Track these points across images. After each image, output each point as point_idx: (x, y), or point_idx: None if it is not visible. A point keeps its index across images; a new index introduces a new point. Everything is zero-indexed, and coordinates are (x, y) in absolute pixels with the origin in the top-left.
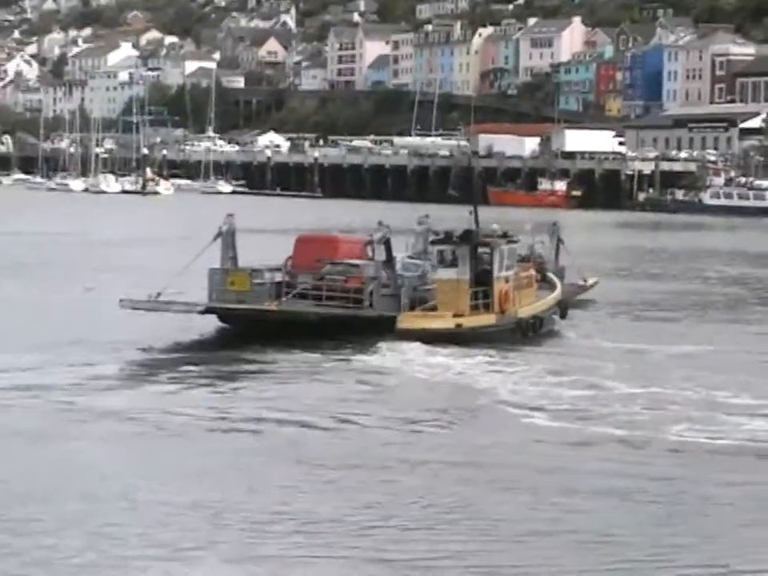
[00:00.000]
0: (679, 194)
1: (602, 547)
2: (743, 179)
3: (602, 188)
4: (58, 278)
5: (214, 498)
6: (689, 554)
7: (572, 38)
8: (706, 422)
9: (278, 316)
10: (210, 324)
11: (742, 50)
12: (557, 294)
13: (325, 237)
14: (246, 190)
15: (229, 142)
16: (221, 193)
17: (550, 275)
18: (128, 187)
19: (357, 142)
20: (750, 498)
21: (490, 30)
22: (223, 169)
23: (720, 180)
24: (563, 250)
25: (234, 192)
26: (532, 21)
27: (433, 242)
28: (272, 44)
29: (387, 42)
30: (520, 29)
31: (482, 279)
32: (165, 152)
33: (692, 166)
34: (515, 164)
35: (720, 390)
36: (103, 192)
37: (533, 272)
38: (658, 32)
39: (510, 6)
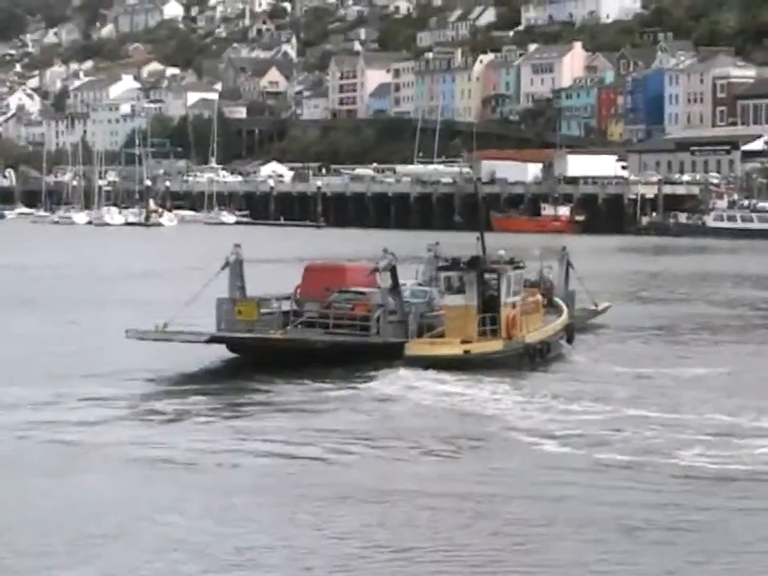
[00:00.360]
0: (682, 218)
1: None
2: (746, 201)
3: (605, 212)
4: (64, 311)
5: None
6: None
7: (573, 63)
8: (719, 446)
9: (283, 344)
10: (219, 354)
11: (743, 73)
12: (563, 318)
13: (333, 265)
14: (250, 220)
15: (232, 173)
16: (224, 224)
17: (557, 300)
18: (131, 219)
19: (359, 171)
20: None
21: (490, 56)
22: (226, 199)
23: (723, 203)
24: (573, 274)
25: (237, 223)
26: (533, 47)
27: (440, 269)
28: (273, 74)
29: (388, 71)
30: (521, 55)
31: (489, 305)
32: (168, 183)
33: (695, 189)
34: (518, 190)
35: (734, 413)
36: (107, 224)
37: (539, 297)
38: (659, 56)
39: (511, 33)
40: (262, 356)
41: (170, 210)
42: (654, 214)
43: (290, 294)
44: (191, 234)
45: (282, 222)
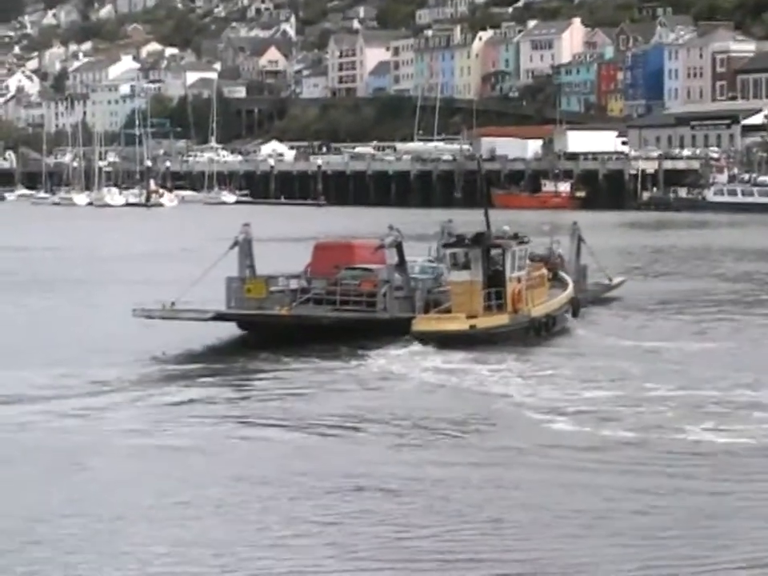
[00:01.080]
0: (683, 192)
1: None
2: (746, 176)
3: (605, 188)
4: (67, 292)
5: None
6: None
7: (572, 39)
8: (730, 421)
9: (289, 321)
10: (229, 332)
11: (742, 47)
12: (569, 292)
13: (342, 243)
14: (250, 199)
15: (231, 152)
16: (225, 203)
17: (563, 274)
18: (132, 200)
19: (359, 149)
20: None
21: (489, 33)
22: (227, 179)
23: (723, 177)
24: (585, 249)
25: (237, 202)
26: (532, 23)
27: (445, 245)
28: (272, 53)
29: (387, 49)
30: (520, 31)
31: (494, 280)
32: (168, 164)
33: (695, 164)
34: (518, 166)
35: (743, 387)
36: (107, 205)
37: (544, 271)
38: (658, 31)
39: (510, 9)
40: (270, 333)
41: (170, 191)
42: (655, 189)
43: (300, 272)
44: (192, 214)
45: (282, 201)
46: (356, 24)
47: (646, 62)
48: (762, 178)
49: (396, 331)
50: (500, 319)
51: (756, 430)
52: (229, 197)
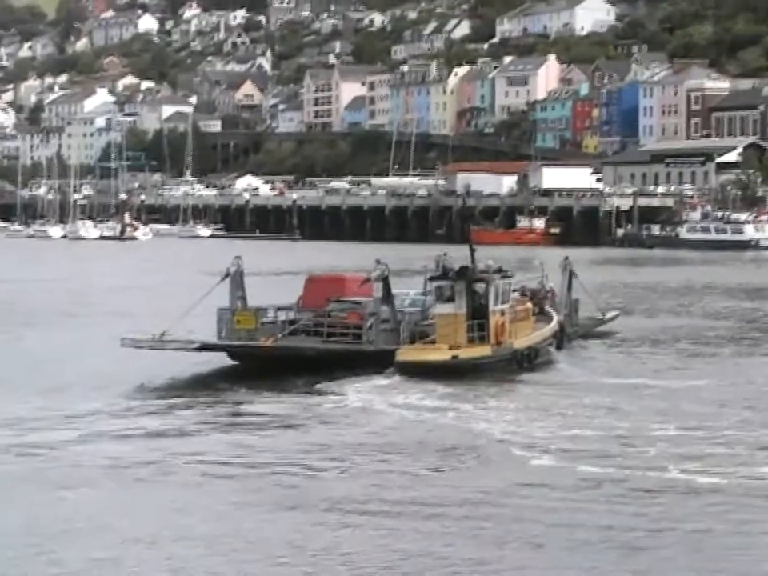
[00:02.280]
0: (656, 229)
1: None
2: (720, 213)
3: (580, 225)
4: (51, 324)
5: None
6: None
7: (547, 75)
8: (704, 459)
9: (274, 352)
10: (214, 362)
11: (717, 85)
12: (552, 325)
13: (333, 276)
14: (225, 233)
15: (207, 186)
16: (199, 237)
17: (548, 308)
18: (106, 233)
19: (335, 184)
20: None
21: (465, 69)
22: (201, 213)
23: (696, 215)
24: (576, 284)
25: (212, 236)
26: (507, 59)
27: (431, 279)
28: (248, 87)
29: (363, 83)
30: (495, 67)
31: (478, 313)
32: (143, 197)
33: (670, 201)
34: (493, 202)
35: (730, 427)
36: (82, 238)
37: (529, 305)
38: (633, 68)
39: (485, 45)
40: (257, 364)
41: (144, 224)
42: (630, 226)
43: (290, 304)
44: (167, 248)
45: (257, 235)
46: (332, 59)
47: (621, 98)
48: (735, 216)
49: (381, 363)
50: (482, 350)
51: (739, 470)
52: (203, 231)
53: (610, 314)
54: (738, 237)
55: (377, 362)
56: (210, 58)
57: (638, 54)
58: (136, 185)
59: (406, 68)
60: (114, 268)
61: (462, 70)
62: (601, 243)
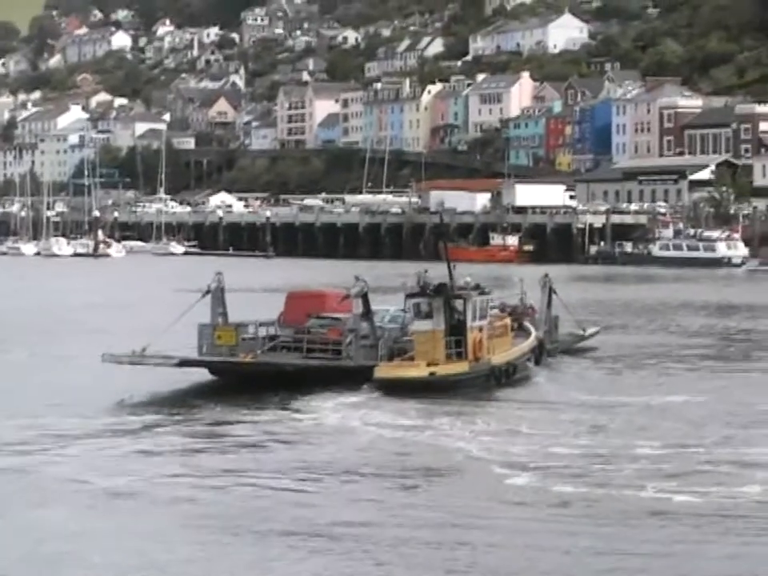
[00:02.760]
0: (628, 247)
1: None
2: (692, 231)
3: (553, 242)
4: (26, 343)
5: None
6: None
7: (521, 93)
8: (682, 478)
9: (253, 368)
10: (193, 378)
11: (690, 103)
12: (531, 341)
13: (313, 292)
14: (199, 250)
15: (180, 203)
16: (173, 254)
17: (527, 324)
18: (80, 250)
19: (308, 201)
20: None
21: (439, 86)
22: (175, 230)
23: (669, 232)
24: (556, 301)
25: (186, 253)
26: (481, 77)
27: (409, 296)
28: (222, 104)
29: (337, 101)
30: (469, 85)
31: (456, 329)
32: (116, 214)
33: (643, 219)
34: (467, 219)
35: (700, 443)
36: (55, 255)
37: (507, 321)
38: (606, 86)
39: (459, 63)
40: (237, 379)
41: (118, 241)
42: (603, 243)
43: (272, 320)
44: (141, 265)
45: (231, 252)
46: (305, 76)
47: (594, 116)
48: (707, 233)
49: (360, 379)
50: (460, 367)
51: (717, 489)
52: (177, 248)
53: (590, 330)
54: (710, 254)
55: (356, 378)
56: (183, 75)
57: (610, 72)
58: (109, 202)
59: (379, 85)
60: (89, 285)
61: (435, 88)
62: (574, 260)
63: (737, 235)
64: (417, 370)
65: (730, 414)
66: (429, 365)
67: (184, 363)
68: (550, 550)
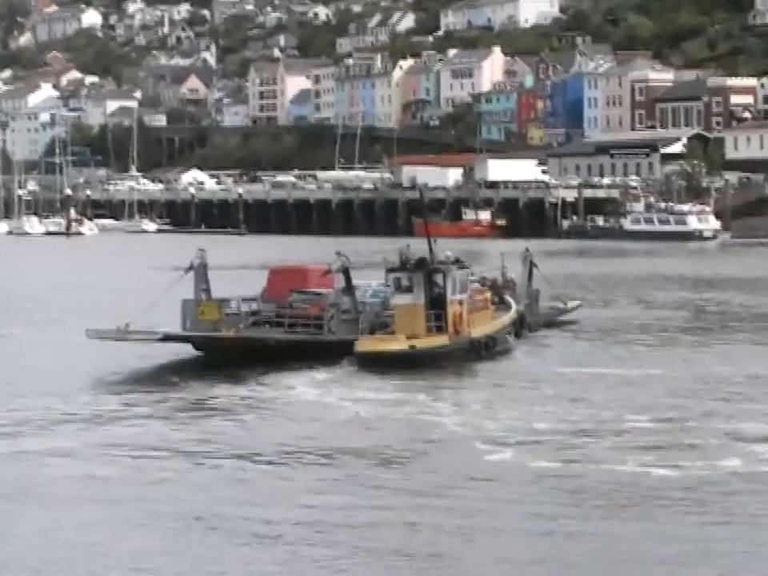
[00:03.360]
0: (600, 221)
1: None
2: (663, 204)
3: (526, 217)
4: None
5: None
6: None
7: (492, 67)
8: (663, 451)
9: (236, 343)
10: (177, 353)
11: (661, 76)
12: (511, 314)
13: (295, 268)
14: (171, 228)
15: (152, 181)
16: (146, 232)
17: (508, 297)
18: (52, 229)
19: (281, 178)
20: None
21: (410, 62)
22: (147, 207)
23: (640, 206)
24: (537, 274)
25: (158, 231)
26: (452, 52)
27: (389, 270)
28: (193, 81)
29: (308, 77)
30: (440, 60)
31: (436, 303)
32: (88, 192)
33: (615, 193)
34: (439, 195)
35: (681, 416)
36: (27, 234)
37: (488, 294)
38: (578, 60)
39: (430, 38)
40: (220, 354)
41: (90, 219)
42: (575, 217)
43: (255, 295)
44: (114, 243)
45: (203, 229)
46: (276, 52)
47: (565, 90)
48: (678, 207)
49: (341, 352)
50: (440, 340)
51: (697, 463)
52: (149, 225)
53: (572, 304)
54: (681, 228)
55: (337, 352)
56: (154, 53)
57: (582, 46)
58: (81, 180)
59: (350, 61)
60: (64, 264)
61: (406, 63)
62: (547, 235)
63: (708, 208)
64: (397, 344)
65: (710, 387)
66: (409, 338)
67: (167, 338)
68: (529, 532)
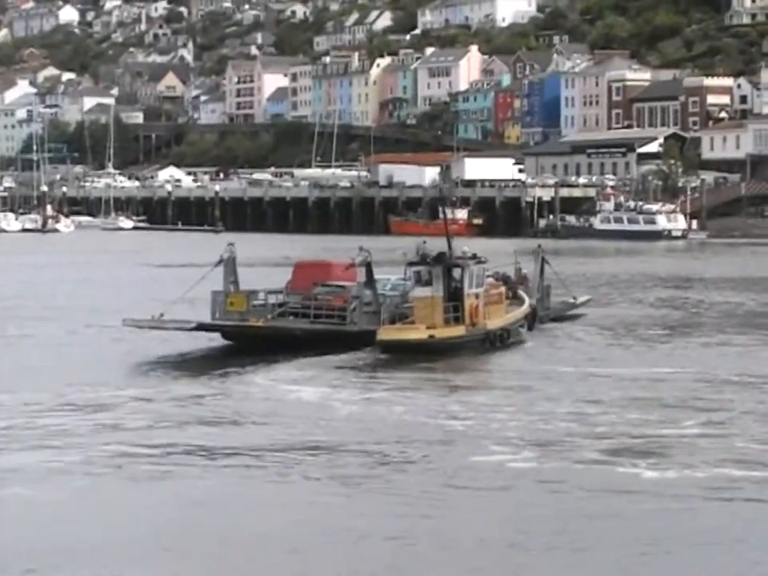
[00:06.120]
0: (572, 220)
1: None
2: (633, 203)
3: (502, 216)
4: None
5: None
6: None
7: (469, 66)
8: (660, 452)
9: (264, 332)
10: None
11: (638, 76)
12: (524, 308)
13: (320, 262)
14: (147, 225)
15: (129, 178)
16: (122, 229)
17: (521, 292)
18: (28, 225)
19: (257, 175)
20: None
21: (387, 60)
22: (124, 205)
23: (610, 205)
24: (548, 270)
25: (135, 228)
26: (429, 50)
27: (410, 264)
28: (170, 78)
29: (285, 75)
30: (418, 58)
31: (454, 296)
32: (64, 189)
33: (591, 192)
34: (416, 193)
35: (682, 416)
36: (3, 231)
37: (502, 289)
38: (555, 59)
39: (407, 36)
40: (249, 343)
41: (66, 216)
42: (551, 216)
43: (281, 288)
44: (91, 240)
45: (179, 227)
46: (254, 50)
47: (542, 89)
48: (647, 206)
49: (363, 342)
50: (457, 330)
51: (696, 465)
52: (126, 222)
53: (581, 299)
54: (650, 227)
55: (360, 342)
56: (131, 50)
57: (559, 45)
58: (58, 177)
59: (328, 59)
60: (45, 261)
61: (384, 62)
62: (523, 234)
63: (676, 208)
64: (417, 333)
65: (716, 386)
66: (428, 328)
67: (201, 327)
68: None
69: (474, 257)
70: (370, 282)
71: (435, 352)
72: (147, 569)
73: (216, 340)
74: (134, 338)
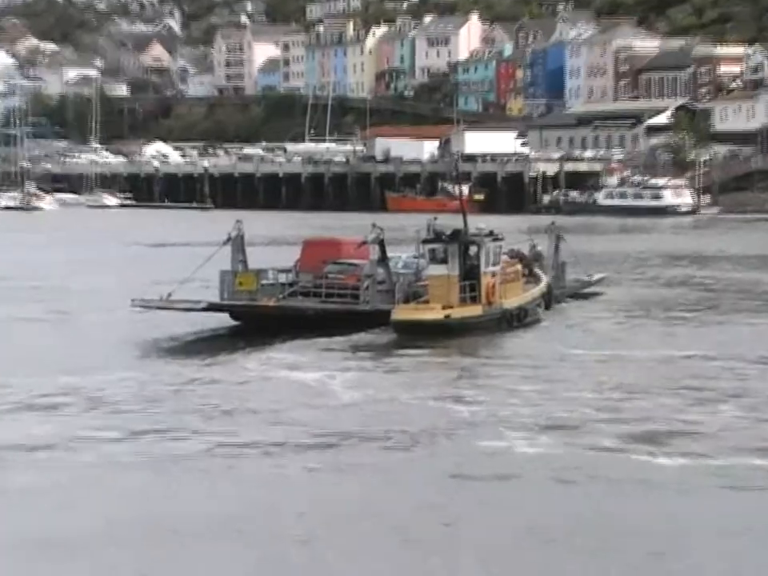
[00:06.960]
0: (575, 195)
1: None
2: (638, 178)
3: (504, 191)
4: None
5: None
6: None
7: (470, 35)
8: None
9: (275, 311)
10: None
11: (646, 44)
12: (541, 287)
13: (329, 240)
14: (134, 202)
15: (114, 153)
16: (107, 207)
17: (537, 270)
18: (10, 203)
19: (248, 150)
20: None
21: (383, 28)
22: (109, 181)
23: (614, 180)
24: (564, 248)
25: (121, 205)
26: (428, 18)
27: (425, 241)
28: (156, 49)
29: (277, 44)
30: (415, 27)
31: (470, 274)
32: (47, 165)
33: (597, 166)
34: (414, 168)
35: (707, 403)
36: None
37: (519, 267)
38: (559, 27)
39: (405, 3)
40: (259, 323)
41: (49, 193)
42: (556, 192)
43: (290, 266)
44: (75, 219)
45: (167, 204)
46: (244, 18)
47: (546, 59)
48: (653, 181)
49: (377, 322)
50: (474, 310)
51: (707, 451)
52: (111, 200)
53: (597, 276)
54: (656, 203)
55: (373, 322)
56: (115, 18)
57: (563, 12)
58: (39, 152)
59: (321, 28)
60: (31, 240)
61: (380, 30)
62: (526, 210)
63: (684, 182)
64: (433, 313)
65: (738, 370)
66: (444, 308)
67: (211, 308)
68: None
69: (491, 234)
70: (383, 259)
71: (451, 332)
72: (139, 556)
73: (225, 320)
74: (142, 318)
